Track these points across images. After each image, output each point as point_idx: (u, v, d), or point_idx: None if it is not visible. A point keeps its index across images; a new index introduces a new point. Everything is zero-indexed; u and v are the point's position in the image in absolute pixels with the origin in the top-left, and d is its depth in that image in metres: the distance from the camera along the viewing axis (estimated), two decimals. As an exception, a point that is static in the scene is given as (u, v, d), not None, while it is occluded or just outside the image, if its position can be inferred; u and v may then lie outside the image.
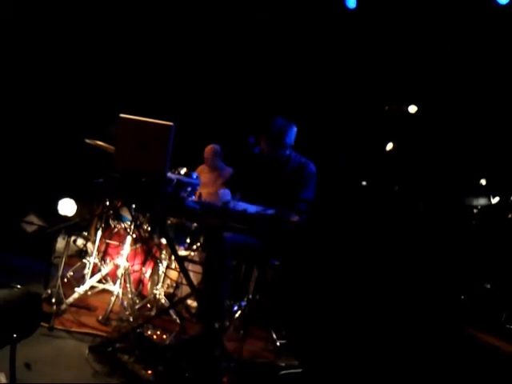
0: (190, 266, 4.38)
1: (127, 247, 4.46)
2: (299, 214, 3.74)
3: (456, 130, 5.80)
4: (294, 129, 3.86)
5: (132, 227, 4.44)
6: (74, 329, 3.88)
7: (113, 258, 4.64)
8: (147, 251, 4.66)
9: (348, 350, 4.35)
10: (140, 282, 4.88)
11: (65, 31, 6.56)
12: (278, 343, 4.13)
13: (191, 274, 3.86)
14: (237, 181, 4.25)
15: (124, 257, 4.43)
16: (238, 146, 4.27)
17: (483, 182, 5.80)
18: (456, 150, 5.80)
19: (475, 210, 5.59)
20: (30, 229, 5.92)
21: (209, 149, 5.84)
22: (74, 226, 4.65)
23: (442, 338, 4.67)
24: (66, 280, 4.35)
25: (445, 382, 4.09)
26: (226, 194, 3.73)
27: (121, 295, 4.29)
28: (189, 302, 4.56)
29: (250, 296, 4.15)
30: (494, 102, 5.63)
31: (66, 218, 4.74)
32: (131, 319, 4.18)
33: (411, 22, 5.73)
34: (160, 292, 4.49)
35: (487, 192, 5.61)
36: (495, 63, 5.50)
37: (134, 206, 4.03)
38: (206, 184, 5.48)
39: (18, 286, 2.26)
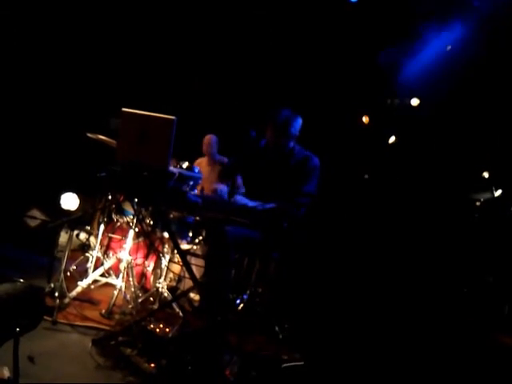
0: (193, 260, 4.38)
1: (130, 241, 4.47)
2: (300, 208, 3.74)
3: (459, 124, 5.79)
4: (300, 120, 3.86)
5: (134, 221, 4.44)
6: (77, 322, 3.90)
7: (115, 252, 4.65)
8: (150, 245, 4.66)
9: (350, 342, 4.37)
10: (143, 275, 4.89)
11: (68, 26, 6.54)
12: (280, 336, 4.13)
13: (194, 268, 3.86)
14: (234, 171, 4.23)
15: (127, 250, 4.44)
16: (239, 139, 4.27)
17: (486, 174, 5.79)
18: (459, 143, 5.79)
19: (478, 203, 5.59)
20: (32, 223, 5.94)
21: (207, 139, 5.86)
22: (76, 220, 4.66)
23: (443, 331, 4.68)
24: (68, 274, 4.36)
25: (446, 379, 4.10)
26: (224, 191, 3.75)
27: (123, 289, 4.31)
28: (191, 295, 4.56)
29: (253, 289, 4.15)
30: (496, 95, 5.62)
31: (68, 212, 4.76)
32: (134, 313, 4.19)
33: (412, 14, 5.71)
34: (163, 285, 4.50)
35: (490, 185, 5.61)
36: (496, 57, 5.49)
37: (136, 199, 4.03)
38: (205, 177, 5.47)
39: (21, 280, 2.26)
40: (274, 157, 3.95)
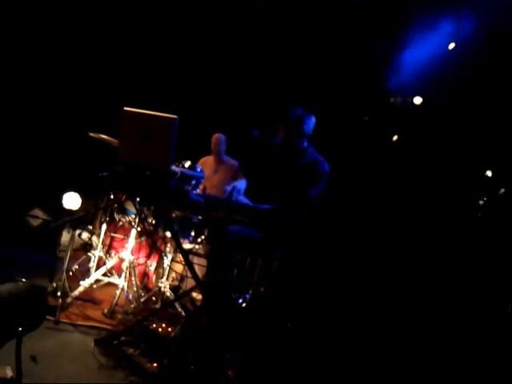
0: (195, 259, 4.39)
1: (132, 240, 4.47)
2: (301, 210, 3.72)
3: (461, 122, 5.77)
4: (313, 119, 3.84)
5: (137, 220, 4.44)
6: (79, 322, 3.90)
7: (118, 252, 4.66)
8: (152, 244, 4.66)
9: (351, 341, 4.36)
10: (145, 275, 4.89)
11: (69, 26, 6.54)
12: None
13: (196, 267, 3.86)
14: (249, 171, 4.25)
15: (129, 250, 4.44)
16: (242, 139, 4.26)
17: (489, 173, 5.77)
18: (461, 141, 5.77)
19: (481, 202, 5.57)
20: (34, 223, 5.95)
21: (215, 137, 5.86)
22: (78, 220, 4.66)
23: (444, 330, 4.67)
24: (71, 273, 4.36)
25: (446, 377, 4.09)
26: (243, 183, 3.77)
27: (126, 288, 4.31)
28: (194, 294, 4.56)
29: (255, 288, 4.14)
30: (498, 92, 5.60)
31: (70, 211, 4.75)
32: (136, 312, 4.19)
33: (414, 12, 5.69)
34: (165, 285, 4.50)
35: (493, 183, 5.59)
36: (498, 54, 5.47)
37: (138, 199, 4.03)
38: (208, 176, 5.47)
39: (24, 280, 2.26)
40: (285, 155, 3.94)
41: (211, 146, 5.87)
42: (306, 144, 3.89)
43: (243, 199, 3.62)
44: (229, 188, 3.61)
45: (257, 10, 6.45)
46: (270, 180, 3.91)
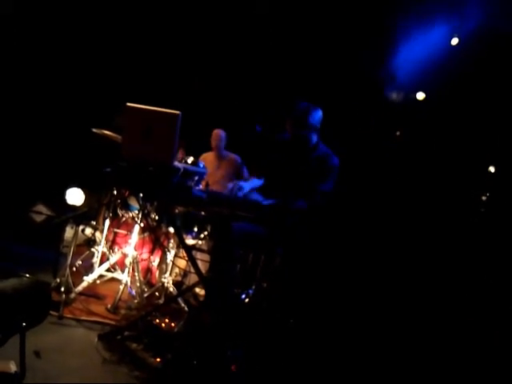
0: (198, 255, 4.39)
1: (135, 236, 4.48)
2: (313, 206, 3.71)
3: (464, 117, 5.76)
4: (319, 112, 3.81)
5: (140, 216, 4.45)
6: (82, 317, 3.91)
7: (121, 247, 4.66)
8: (155, 240, 4.67)
9: (352, 339, 4.37)
10: (148, 270, 4.90)
11: (72, 23, 6.54)
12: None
13: (199, 263, 3.86)
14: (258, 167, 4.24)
15: (132, 246, 4.45)
16: (246, 134, 4.26)
17: (492, 169, 5.76)
18: (464, 137, 5.76)
19: (483, 198, 5.56)
20: (38, 218, 5.97)
21: (215, 133, 5.85)
22: (82, 216, 4.67)
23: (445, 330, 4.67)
24: (74, 269, 4.36)
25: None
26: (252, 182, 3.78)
27: (129, 284, 4.32)
28: (197, 290, 4.57)
29: (258, 284, 4.15)
30: (501, 88, 5.58)
31: (74, 207, 4.77)
32: (140, 307, 4.20)
33: (417, 8, 5.68)
34: (168, 280, 4.51)
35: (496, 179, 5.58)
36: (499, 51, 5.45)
37: (141, 194, 4.04)
38: (210, 172, 5.47)
39: (27, 275, 2.27)
40: (296, 150, 3.93)
41: (211, 142, 5.86)
42: (315, 138, 3.87)
43: (254, 195, 3.62)
44: (230, 185, 3.61)
45: (257, 10, 6.43)
46: (281, 175, 3.90)
